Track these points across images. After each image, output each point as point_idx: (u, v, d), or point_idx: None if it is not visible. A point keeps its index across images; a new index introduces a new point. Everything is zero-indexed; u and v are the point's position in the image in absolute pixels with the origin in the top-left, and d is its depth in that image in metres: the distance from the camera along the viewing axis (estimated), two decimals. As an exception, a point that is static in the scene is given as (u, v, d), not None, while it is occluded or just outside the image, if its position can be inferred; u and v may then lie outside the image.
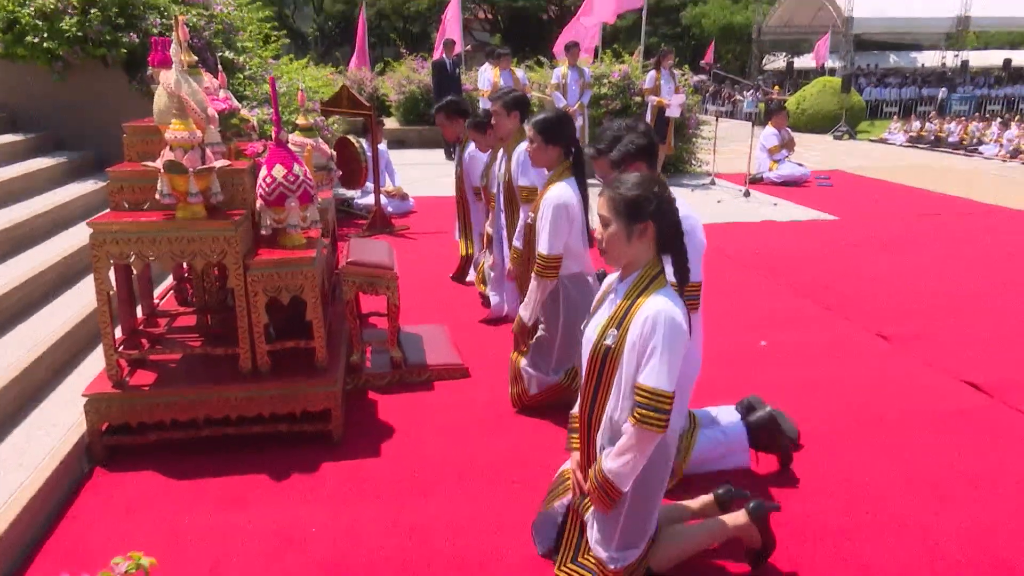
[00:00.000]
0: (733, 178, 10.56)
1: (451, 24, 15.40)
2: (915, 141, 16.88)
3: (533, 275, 3.48)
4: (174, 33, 3.12)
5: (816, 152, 14.51)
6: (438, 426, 3.51)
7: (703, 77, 23.65)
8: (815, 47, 22.10)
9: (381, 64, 17.95)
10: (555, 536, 2.58)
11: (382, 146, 8.18)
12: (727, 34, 32.53)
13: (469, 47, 18.02)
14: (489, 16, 37.33)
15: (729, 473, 3.06)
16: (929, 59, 30.71)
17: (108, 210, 3.20)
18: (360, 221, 7.70)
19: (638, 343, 2.14)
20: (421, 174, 10.57)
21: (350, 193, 8.28)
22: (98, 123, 6.27)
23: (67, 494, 2.91)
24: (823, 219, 8.33)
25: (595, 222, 2.42)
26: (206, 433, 3.20)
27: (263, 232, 3.23)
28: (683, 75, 11.17)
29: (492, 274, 5.02)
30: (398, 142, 13.37)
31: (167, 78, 2.98)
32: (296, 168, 3.14)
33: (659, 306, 2.13)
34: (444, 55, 12.48)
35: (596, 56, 12.52)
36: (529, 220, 3.73)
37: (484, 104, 8.44)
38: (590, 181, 3.53)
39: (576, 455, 2.47)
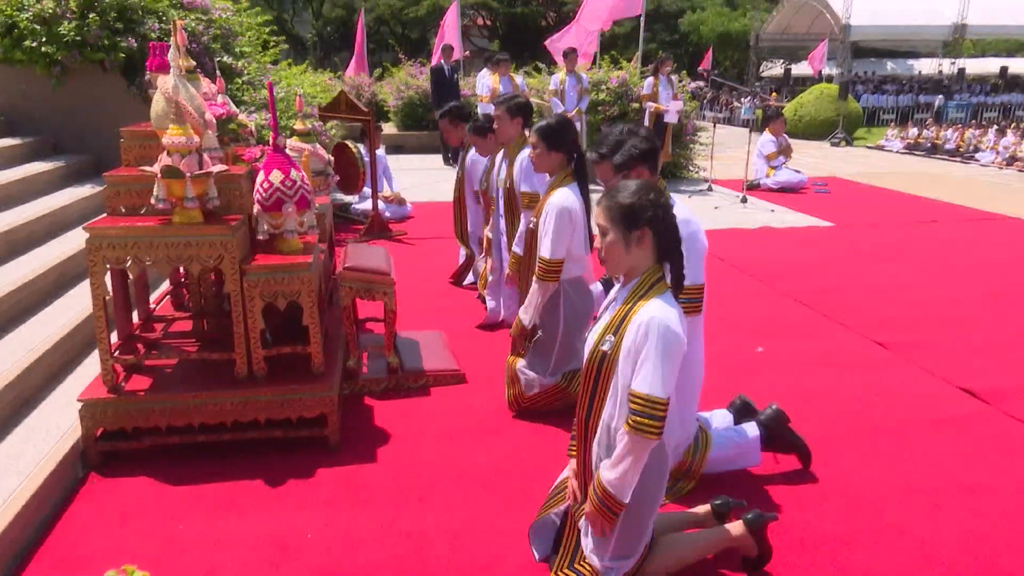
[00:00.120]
0: (730, 184, 10.58)
1: (449, 30, 15.43)
2: (912, 148, 16.93)
3: (534, 278, 3.52)
4: (172, 38, 3.12)
5: (813, 158, 14.54)
6: (435, 432, 3.51)
7: (701, 83, 23.71)
8: (809, 55, 22.16)
9: (379, 70, 17.97)
10: (552, 541, 2.58)
11: (380, 151, 8.19)
12: (725, 41, 32.62)
13: (468, 53, 18.06)
14: (488, 22, 37.40)
15: (732, 479, 3.06)
16: (926, 66, 30.82)
17: (105, 215, 3.19)
18: (358, 226, 7.70)
19: (632, 350, 2.14)
20: (419, 179, 10.57)
21: (348, 198, 8.28)
22: (96, 127, 6.27)
23: (62, 500, 2.90)
24: (820, 226, 8.35)
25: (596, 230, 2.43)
26: (202, 439, 3.19)
27: (260, 237, 3.23)
28: (680, 81, 11.20)
29: (490, 279, 5.02)
30: (396, 147, 13.37)
31: (165, 83, 2.99)
32: (293, 173, 3.14)
33: (652, 312, 2.13)
34: (442, 61, 12.50)
35: (594, 62, 12.56)
36: (531, 225, 3.74)
37: (483, 109, 8.47)
38: (591, 186, 3.54)
39: (573, 462, 2.47)
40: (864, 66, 30.54)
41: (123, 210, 3.15)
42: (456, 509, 2.90)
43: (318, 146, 4.21)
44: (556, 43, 12.60)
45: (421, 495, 2.99)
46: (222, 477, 3.07)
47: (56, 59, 6.02)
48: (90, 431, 3.11)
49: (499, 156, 4.91)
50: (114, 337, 3.35)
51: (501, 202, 4.75)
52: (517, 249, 4.07)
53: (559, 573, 2.43)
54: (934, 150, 16.50)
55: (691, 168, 11.57)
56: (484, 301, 5.17)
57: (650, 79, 10.54)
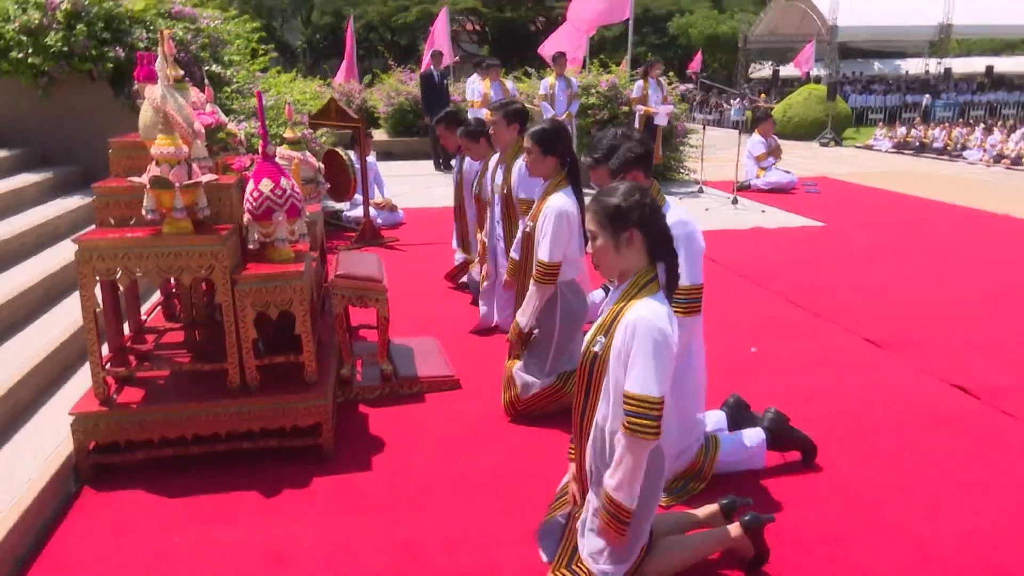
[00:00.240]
0: (721, 186, 10.61)
1: (439, 36, 15.45)
2: (900, 147, 17.03)
3: (532, 281, 3.54)
4: (160, 48, 3.11)
5: (803, 159, 14.61)
6: (430, 439, 3.49)
7: (690, 85, 23.79)
8: (796, 58, 22.30)
9: (369, 76, 17.97)
10: (559, 542, 2.57)
11: (371, 158, 8.17)
12: (713, 43, 32.77)
13: (457, 58, 18.07)
14: (477, 28, 37.47)
15: (733, 478, 3.06)
16: (913, 66, 31.04)
17: (94, 226, 3.17)
18: (349, 233, 7.68)
19: (622, 350, 2.15)
20: (410, 185, 10.56)
21: (339, 205, 8.26)
22: (84, 138, 6.23)
23: (55, 514, 2.87)
24: (811, 225, 8.38)
25: None
26: (195, 450, 3.17)
27: (251, 246, 3.22)
28: (670, 84, 11.24)
29: (484, 284, 5.02)
30: (387, 154, 13.36)
31: (153, 93, 2.97)
32: (283, 182, 3.13)
33: (640, 312, 2.14)
34: (432, 67, 12.50)
35: (584, 66, 12.58)
36: (527, 229, 3.75)
37: (473, 114, 8.48)
38: (585, 190, 3.56)
39: (573, 466, 2.46)
40: (852, 66, 30.74)
41: (112, 221, 3.13)
42: (452, 516, 2.88)
43: (308, 154, 4.20)
44: (549, 48, 12.59)
45: (417, 502, 2.98)
46: (216, 488, 3.05)
47: (43, 70, 5.99)
48: (82, 444, 3.08)
49: (493, 161, 4.92)
50: (105, 349, 3.32)
51: (498, 208, 4.75)
52: (515, 255, 4.07)
53: (557, 571, 2.42)
54: (922, 149, 16.60)
55: (682, 170, 11.60)
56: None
57: (640, 82, 10.58)
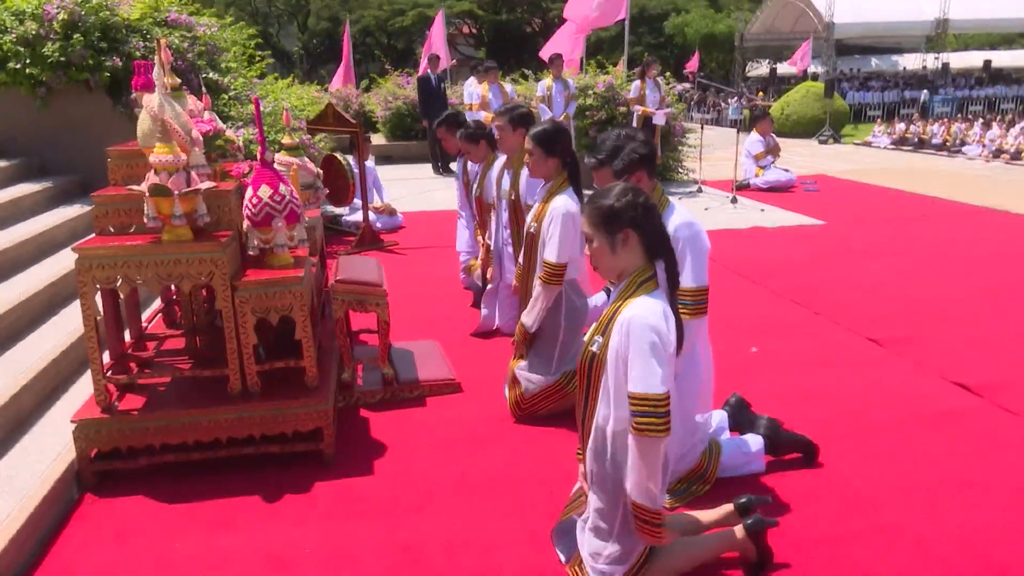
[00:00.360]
0: (720, 185, 10.62)
1: (436, 39, 15.48)
2: (899, 143, 17.03)
3: (539, 282, 3.57)
4: (157, 56, 3.12)
5: (801, 157, 14.61)
6: (431, 442, 3.50)
7: (687, 85, 23.82)
8: (792, 56, 22.33)
9: (366, 81, 17.99)
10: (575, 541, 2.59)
11: (369, 162, 8.19)
12: (710, 42, 32.79)
13: (454, 61, 18.09)
14: (473, 31, 37.52)
15: (733, 479, 3.07)
16: (910, 62, 31.02)
17: (94, 235, 3.18)
18: (349, 238, 7.69)
19: (619, 349, 2.16)
20: (409, 189, 10.57)
21: (338, 210, 8.28)
22: (83, 147, 6.25)
23: (56, 521, 2.88)
24: (810, 224, 8.38)
25: None
26: (197, 456, 3.18)
27: (250, 253, 3.23)
28: (668, 84, 11.25)
29: (488, 287, 5.02)
30: (385, 158, 13.38)
31: (150, 101, 2.98)
32: (282, 188, 3.14)
33: (633, 311, 2.16)
34: (429, 70, 12.52)
35: (581, 67, 12.60)
36: (531, 230, 3.76)
37: (471, 117, 8.48)
38: (586, 191, 3.57)
39: (582, 466, 2.49)
40: (849, 63, 30.75)
41: (112, 230, 3.14)
42: (454, 519, 2.89)
43: (306, 159, 4.21)
44: (550, 51, 12.60)
45: (418, 506, 2.98)
46: (218, 494, 3.06)
47: (41, 80, 6.01)
48: (84, 452, 3.09)
49: (498, 165, 4.93)
50: (106, 357, 3.33)
51: (505, 214, 4.75)
52: (524, 260, 4.09)
53: (572, 569, 2.46)
54: (921, 145, 16.60)
55: (680, 170, 11.60)
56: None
57: (637, 83, 10.59)
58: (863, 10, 23.54)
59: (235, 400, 3.20)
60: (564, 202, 3.59)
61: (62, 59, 5.97)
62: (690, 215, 2.85)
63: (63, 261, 4.67)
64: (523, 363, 3.69)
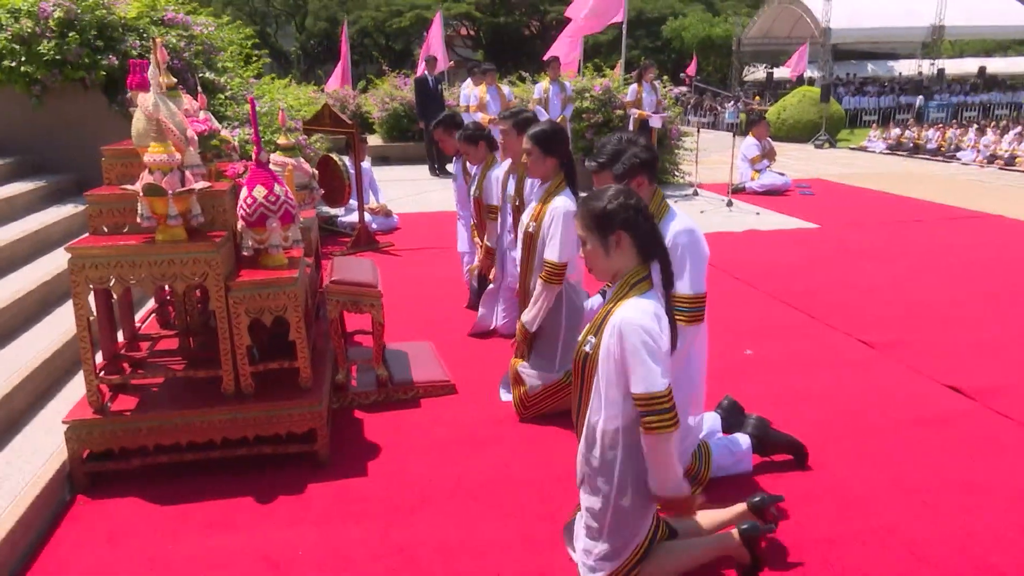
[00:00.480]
0: (716, 188, 10.63)
1: (434, 41, 15.49)
2: (894, 148, 17.08)
3: (541, 281, 3.59)
4: (153, 55, 3.11)
5: (797, 161, 14.65)
6: (426, 444, 3.49)
7: (684, 89, 23.88)
8: (788, 61, 22.41)
9: (364, 82, 17.99)
10: None
11: (365, 163, 8.18)
12: (707, 46, 32.88)
13: (452, 63, 18.09)
14: (471, 32, 37.54)
15: (728, 480, 3.07)
16: (906, 68, 31.14)
17: (88, 234, 3.17)
18: (344, 239, 7.68)
19: (611, 350, 2.20)
20: (405, 190, 10.57)
21: (334, 211, 8.27)
22: (78, 146, 6.22)
23: (49, 523, 2.86)
24: (805, 227, 8.40)
25: None
26: (190, 457, 3.17)
27: (245, 253, 3.22)
28: (665, 87, 11.27)
29: (490, 287, 5.01)
30: (381, 159, 13.38)
31: (145, 101, 2.97)
32: (277, 188, 3.13)
33: (624, 313, 2.18)
34: (426, 72, 12.53)
35: (578, 70, 12.61)
36: (529, 230, 3.76)
37: (468, 119, 8.48)
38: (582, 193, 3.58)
39: None
40: (845, 68, 30.84)
41: (106, 229, 3.13)
42: (449, 521, 2.88)
43: (302, 160, 4.20)
44: (554, 51, 12.61)
45: (413, 508, 2.97)
46: (211, 495, 3.05)
47: (36, 78, 5.98)
48: (76, 453, 3.07)
49: (502, 169, 4.93)
50: (99, 357, 3.32)
51: (510, 218, 4.75)
52: None
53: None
54: (916, 150, 16.65)
55: (677, 173, 11.62)
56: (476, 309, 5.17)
57: (634, 86, 10.61)
58: (860, 16, 23.66)
59: (229, 401, 3.19)
60: (564, 202, 3.62)
61: (58, 57, 5.94)
62: (691, 221, 2.84)
63: (57, 260, 4.65)
64: (525, 363, 3.70)
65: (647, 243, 2.26)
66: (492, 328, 4.95)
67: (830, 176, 12.62)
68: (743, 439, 3.18)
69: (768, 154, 11.06)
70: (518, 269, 4.00)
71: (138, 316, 4.00)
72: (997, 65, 31.92)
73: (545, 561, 2.63)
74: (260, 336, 3.42)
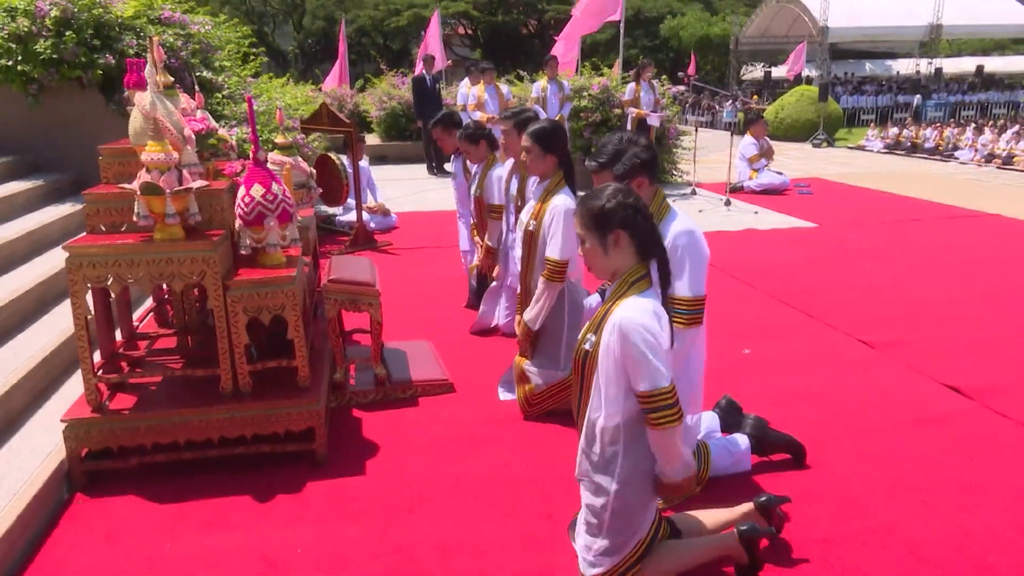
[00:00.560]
0: (714, 187, 10.64)
1: (432, 40, 15.49)
2: (892, 148, 17.10)
3: (543, 279, 3.60)
4: (149, 54, 3.11)
5: (795, 160, 14.66)
6: (424, 443, 3.49)
7: (682, 88, 23.87)
8: (787, 61, 22.42)
9: (362, 80, 17.98)
10: None
11: (363, 162, 8.17)
12: (705, 45, 32.90)
13: (450, 62, 18.09)
14: (469, 31, 37.53)
15: (726, 480, 3.08)
16: (904, 67, 31.20)
17: (85, 233, 3.16)
18: (343, 238, 7.68)
19: (610, 349, 2.21)
20: (403, 189, 10.56)
21: (332, 210, 8.26)
22: (75, 145, 6.21)
23: (47, 521, 2.86)
24: (803, 227, 8.40)
25: None
26: (188, 456, 3.17)
27: (242, 252, 3.21)
28: (662, 86, 11.27)
29: (492, 284, 5.01)
30: (380, 158, 13.37)
31: (142, 99, 2.96)
32: (275, 187, 3.13)
33: (623, 312, 2.19)
34: (424, 71, 12.53)
35: (576, 69, 12.61)
36: (530, 228, 3.77)
37: (466, 118, 8.48)
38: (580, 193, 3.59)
39: None
40: (843, 67, 30.88)
41: (103, 228, 3.12)
42: (447, 520, 2.88)
43: (299, 159, 4.20)
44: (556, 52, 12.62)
45: (411, 507, 2.97)
46: (209, 494, 3.04)
47: (33, 77, 5.97)
48: (75, 451, 3.07)
49: (500, 168, 4.92)
50: (97, 356, 3.32)
51: (512, 217, 4.75)
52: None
53: None
54: (914, 149, 16.66)
55: (675, 172, 11.62)
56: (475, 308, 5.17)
57: (632, 85, 10.61)
58: (858, 15, 23.67)
59: (227, 400, 3.19)
60: (564, 200, 3.63)
61: (54, 56, 5.93)
62: (691, 222, 2.82)
63: (54, 259, 4.64)
64: (529, 362, 3.71)
65: (646, 242, 2.27)
66: (494, 325, 4.95)
67: (828, 175, 12.63)
68: (742, 439, 3.18)
69: (766, 153, 11.06)
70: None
71: (136, 315, 3.99)
72: (995, 64, 31.99)
73: (545, 560, 2.63)
74: (258, 335, 3.42)
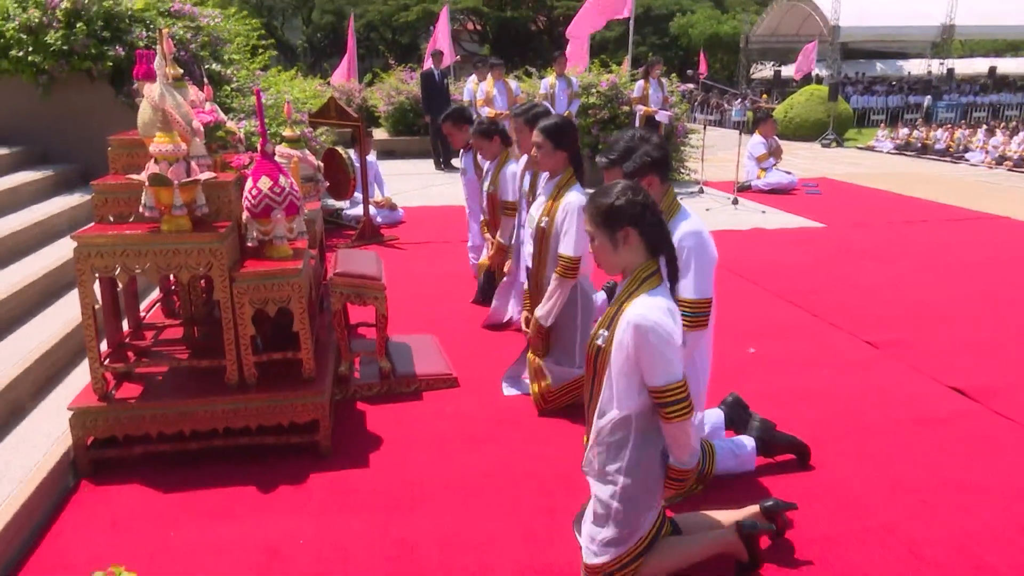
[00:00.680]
0: (722, 186, 10.61)
1: (441, 36, 15.48)
2: (902, 148, 17.00)
3: (555, 276, 3.60)
4: (159, 46, 3.12)
5: (804, 160, 14.60)
6: (427, 437, 3.50)
7: (691, 86, 23.80)
8: (796, 61, 22.31)
9: (370, 75, 17.99)
10: None
11: (371, 157, 8.19)
12: (715, 43, 32.76)
13: (458, 58, 18.09)
14: (478, 27, 37.47)
15: (726, 479, 3.08)
16: (915, 67, 31.01)
17: (93, 223, 3.19)
18: (349, 232, 7.69)
19: (622, 345, 2.22)
20: (410, 184, 10.58)
21: (339, 204, 8.28)
22: (84, 136, 6.25)
23: (53, 508, 2.89)
24: (811, 227, 8.38)
25: None
26: (193, 446, 3.19)
27: (249, 244, 3.23)
28: (671, 84, 11.24)
29: (504, 279, 5.00)
30: (387, 152, 13.39)
31: (151, 91, 2.98)
32: (282, 180, 3.14)
33: (636, 310, 2.21)
34: (432, 66, 12.53)
35: (585, 66, 12.59)
36: (542, 225, 3.77)
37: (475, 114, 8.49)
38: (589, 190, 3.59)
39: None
40: (854, 67, 30.70)
41: (111, 218, 3.14)
42: (448, 515, 2.89)
43: (307, 152, 4.21)
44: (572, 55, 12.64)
45: (413, 501, 2.99)
46: (214, 484, 3.07)
47: (43, 68, 6.01)
48: (81, 439, 3.10)
49: (514, 164, 4.92)
50: (104, 345, 3.34)
51: (524, 213, 4.75)
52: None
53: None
54: (924, 150, 16.56)
55: (683, 171, 11.59)
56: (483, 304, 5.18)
57: (640, 82, 10.58)
58: (869, 14, 23.52)
59: (232, 391, 3.21)
60: (576, 197, 3.63)
61: (65, 48, 5.96)
62: (700, 223, 2.81)
63: (63, 249, 4.68)
64: (546, 358, 3.72)
65: (655, 239, 2.28)
66: (506, 320, 4.96)
67: (837, 175, 12.58)
68: (748, 442, 3.18)
69: (775, 152, 11.02)
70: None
71: (143, 305, 4.02)
72: (1008, 65, 31.75)
73: (546, 556, 2.64)
74: (264, 327, 3.43)
